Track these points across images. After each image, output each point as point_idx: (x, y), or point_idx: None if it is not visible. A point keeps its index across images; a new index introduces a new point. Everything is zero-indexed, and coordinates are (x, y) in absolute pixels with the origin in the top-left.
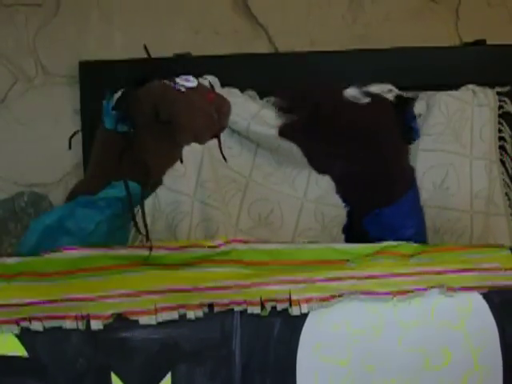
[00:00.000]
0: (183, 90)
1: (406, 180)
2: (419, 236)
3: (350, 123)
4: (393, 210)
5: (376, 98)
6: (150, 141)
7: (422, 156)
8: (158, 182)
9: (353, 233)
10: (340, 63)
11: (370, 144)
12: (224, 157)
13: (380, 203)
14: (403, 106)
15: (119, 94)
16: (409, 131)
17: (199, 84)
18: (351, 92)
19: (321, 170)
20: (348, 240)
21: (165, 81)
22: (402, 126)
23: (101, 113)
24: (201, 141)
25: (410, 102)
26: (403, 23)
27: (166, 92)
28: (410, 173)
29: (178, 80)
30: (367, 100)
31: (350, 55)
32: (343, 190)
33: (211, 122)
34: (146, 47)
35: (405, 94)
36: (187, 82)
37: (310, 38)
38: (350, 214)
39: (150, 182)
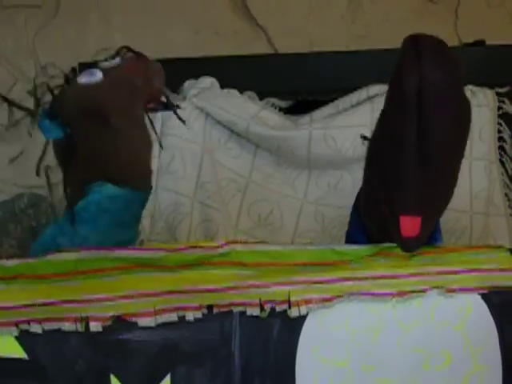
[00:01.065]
0: (98, 77)
1: None
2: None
3: None
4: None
5: None
6: (97, 141)
7: None
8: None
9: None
10: (339, 64)
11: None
12: (180, 119)
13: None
14: None
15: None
16: None
17: (124, 59)
18: None
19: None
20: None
21: (80, 76)
22: None
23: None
24: (135, 118)
25: None
26: (402, 24)
27: (82, 92)
28: None
29: (100, 64)
30: None
31: (349, 56)
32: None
33: (136, 91)
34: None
35: None
36: (110, 62)
37: (309, 39)
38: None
39: (134, 178)
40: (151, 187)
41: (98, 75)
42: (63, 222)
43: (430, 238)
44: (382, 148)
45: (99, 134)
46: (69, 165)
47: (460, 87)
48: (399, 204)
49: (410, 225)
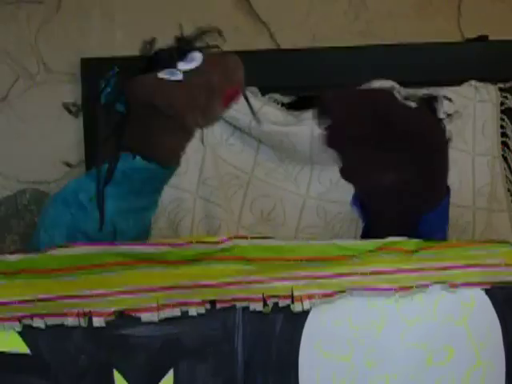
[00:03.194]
0: (179, 77)
1: (446, 184)
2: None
3: (406, 131)
4: (436, 215)
5: (422, 101)
6: (146, 125)
7: None
8: (175, 163)
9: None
10: (342, 59)
11: (424, 152)
12: (253, 111)
13: (425, 209)
14: (435, 107)
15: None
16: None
17: (204, 59)
18: (403, 94)
19: (352, 179)
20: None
21: (163, 71)
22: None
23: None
24: (212, 116)
25: (440, 101)
26: (405, 19)
27: (159, 87)
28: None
29: (179, 65)
30: (414, 104)
31: (352, 51)
32: (387, 201)
33: (214, 92)
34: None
35: (432, 92)
36: (190, 63)
37: (311, 34)
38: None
39: (165, 159)
40: (179, 164)
41: (178, 76)
42: (86, 179)
43: (438, 228)
44: None
45: (159, 123)
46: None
47: None
48: None
49: None
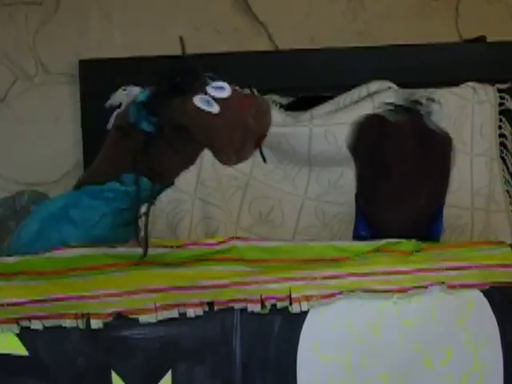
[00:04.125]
0: (216, 110)
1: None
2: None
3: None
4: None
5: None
6: (169, 151)
7: None
8: (170, 183)
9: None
10: (340, 61)
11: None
12: (264, 158)
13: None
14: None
15: (149, 92)
16: None
17: (233, 91)
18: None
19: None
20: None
21: (197, 96)
22: None
23: (124, 105)
24: (243, 156)
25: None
26: (403, 20)
27: (198, 116)
28: None
29: (209, 90)
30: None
31: (350, 52)
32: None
33: (249, 134)
34: (181, 40)
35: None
36: (220, 91)
37: (310, 36)
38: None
39: (163, 182)
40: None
41: (215, 107)
42: (80, 195)
43: (434, 229)
44: None
45: (182, 148)
46: (123, 152)
47: None
48: None
49: None
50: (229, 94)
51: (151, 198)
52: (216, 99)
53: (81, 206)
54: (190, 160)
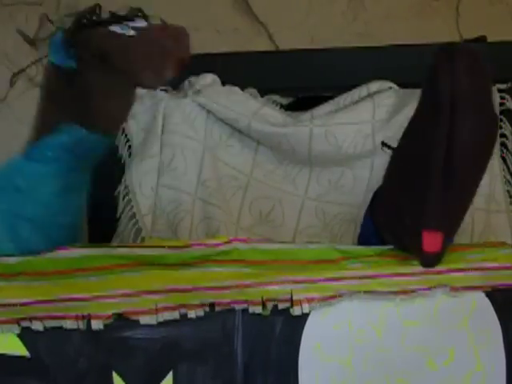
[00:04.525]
0: (131, 33)
1: None
2: None
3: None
4: None
5: None
6: (98, 85)
7: None
8: (113, 131)
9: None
10: (340, 61)
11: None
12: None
13: None
14: None
15: (63, 30)
16: None
17: (149, 23)
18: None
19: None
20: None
21: (113, 26)
22: None
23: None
24: (163, 78)
25: None
26: (403, 20)
27: (114, 40)
28: None
29: (126, 22)
30: None
31: (350, 53)
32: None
33: (168, 56)
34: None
35: None
36: (136, 22)
37: (310, 36)
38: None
39: (104, 129)
40: (118, 134)
41: (130, 31)
42: (21, 160)
43: None
44: (409, 157)
45: (108, 80)
46: (50, 100)
47: (491, 99)
48: (424, 218)
49: (432, 240)
50: (145, 25)
51: (98, 149)
52: (133, 28)
53: (24, 172)
54: (122, 99)
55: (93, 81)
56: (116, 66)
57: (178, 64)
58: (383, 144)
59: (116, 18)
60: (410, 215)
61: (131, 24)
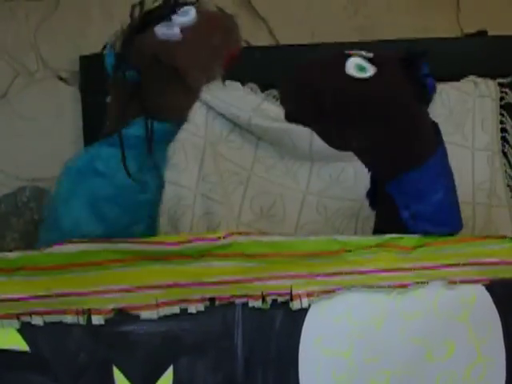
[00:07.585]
0: (177, 31)
1: (430, 141)
2: (449, 197)
3: (360, 102)
4: (420, 174)
5: (381, 65)
6: (158, 86)
7: None
8: (184, 119)
9: (377, 198)
10: None
11: (385, 118)
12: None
13: (404, 168)
14: (413, 63)
15: (119, 43)
16: (423, 89)
17: (198, 13)
18: (352, 65)
19: (339, 148)
20: (372, 205)
21: (159, 25)
22: (415, 84)
23: (104, 62)
24: (213, 75)
25: (420, 57)
26: (404, 14)
27: (160, 45)
28: (434, 132)
29: (173, 17)
30: (372, 72)
31: (351, 47)
32: (365, 160)
33: (216, 53)
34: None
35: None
36: (184, 15)
37: (311, 30)
38: (373, 179)
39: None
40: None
41: (176, 31)
42: (99, 146)
43: (430, 188)
44: None
45: (172, 86)
46: (118, 102)
47: None
48: None
49: None
50: (193, 18)
51: (168, 136)
52: (181, 26)
53: (102, 157)
54: (184, 95)
55: (155, 80)
56: (169, 72)
57: (227, 59)
58: None
59: (163, 10)
60: None
61: (178, 20)
